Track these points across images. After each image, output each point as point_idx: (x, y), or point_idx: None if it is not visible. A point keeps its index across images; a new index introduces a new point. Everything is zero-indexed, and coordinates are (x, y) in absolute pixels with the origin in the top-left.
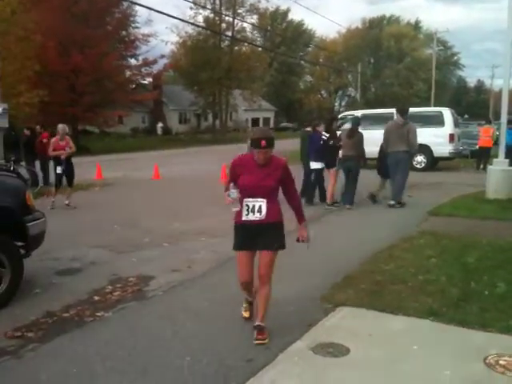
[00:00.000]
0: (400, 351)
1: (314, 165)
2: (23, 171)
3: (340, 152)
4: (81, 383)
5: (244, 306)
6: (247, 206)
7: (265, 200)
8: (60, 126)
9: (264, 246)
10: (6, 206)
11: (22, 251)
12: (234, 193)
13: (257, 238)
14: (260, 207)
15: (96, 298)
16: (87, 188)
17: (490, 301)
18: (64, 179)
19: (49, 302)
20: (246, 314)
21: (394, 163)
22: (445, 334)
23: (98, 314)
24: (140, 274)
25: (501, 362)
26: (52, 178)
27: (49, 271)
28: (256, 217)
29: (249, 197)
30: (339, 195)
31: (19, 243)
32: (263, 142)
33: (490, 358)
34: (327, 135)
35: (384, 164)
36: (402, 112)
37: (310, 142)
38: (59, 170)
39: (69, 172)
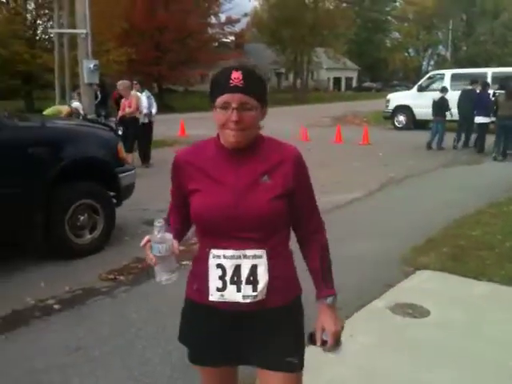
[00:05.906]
0: (481, 316)
1: (482, 119)
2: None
3: None
4: (171, 320)
5: None
6: (220, 267)
7: (263, 252)
8: (119, 83)
9: (271, 362)
10: (100, 158)
11: (114, 201)
12: (160, 240)
13: (245, 339)
14: (253, 272)
15: (181, 247)
16: (172, 144)
17: None
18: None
19: (138, 249)
20: None
21: None
22: None
23: (184, 262)
24: None
25: None
26: None
27: (137, 221)
28: (246, 296)
29: (219, 242)
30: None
31: (111, 193)
32: (236, 75)
33: None
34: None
35: None
36: None
37: (478, 100)
38: (119, 131)
39: (128, 134)
